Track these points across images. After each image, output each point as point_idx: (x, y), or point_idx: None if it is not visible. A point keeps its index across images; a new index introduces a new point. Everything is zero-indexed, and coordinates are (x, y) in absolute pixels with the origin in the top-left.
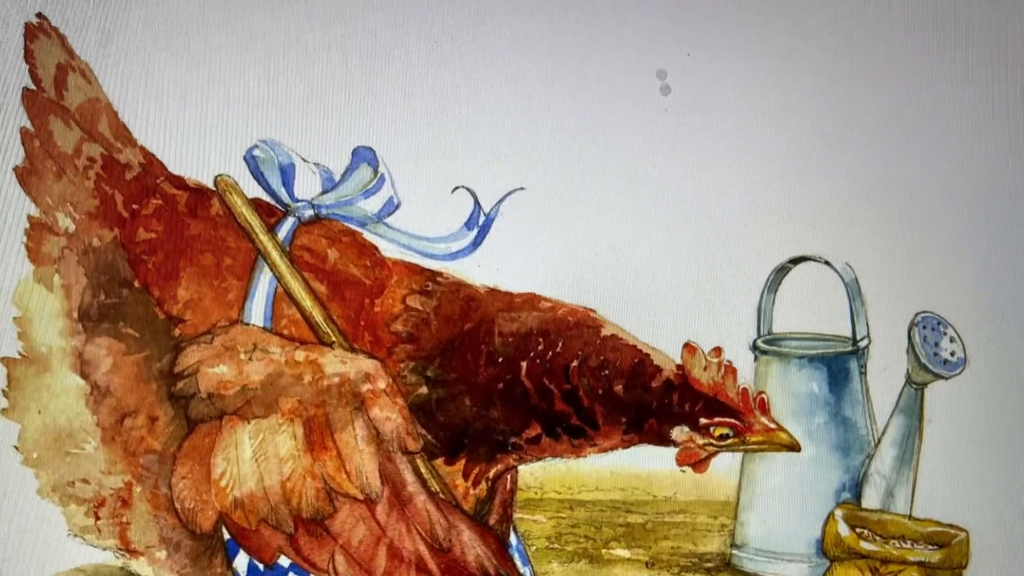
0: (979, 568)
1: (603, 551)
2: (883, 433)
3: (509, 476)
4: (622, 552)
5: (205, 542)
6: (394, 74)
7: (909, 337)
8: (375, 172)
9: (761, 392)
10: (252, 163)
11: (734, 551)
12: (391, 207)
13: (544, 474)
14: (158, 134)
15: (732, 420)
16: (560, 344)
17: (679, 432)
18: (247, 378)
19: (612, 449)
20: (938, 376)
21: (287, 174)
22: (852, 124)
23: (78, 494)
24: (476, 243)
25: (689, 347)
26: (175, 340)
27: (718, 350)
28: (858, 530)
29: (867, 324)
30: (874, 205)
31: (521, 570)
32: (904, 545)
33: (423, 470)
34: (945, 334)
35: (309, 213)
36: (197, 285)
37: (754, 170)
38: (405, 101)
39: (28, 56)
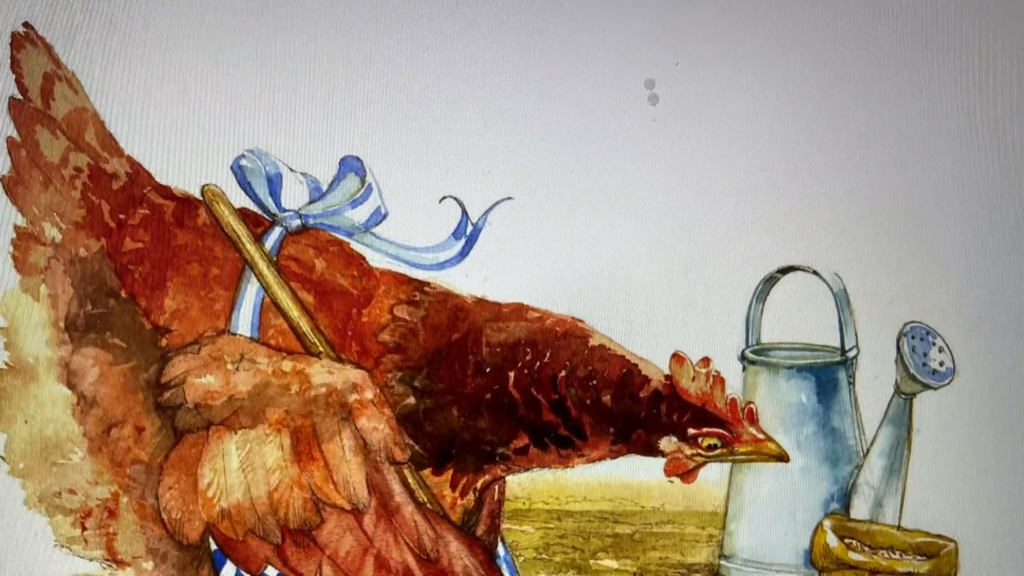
0: None
1: (591, 562)
2: (872, 443)
3: (497, 486)
4: (610, 563)
5: (192, 553)
6: (381, 84)
7: (898, 347)
8: (362, 182)
9: (749, 402)
10: (239, 173)
11: (722, 562)
12: (378, 217)
13: (532, 485)
14: (145, 143)
15: (720, 430)
16: (548, 354)
17: (667, 442)
18: (234, 388)
19: (600, 459)
20: (927, 386)
21: (274, 184)
22: (841, 134)
23: (65, 504)
24: (464, 253)
25: (677, 357)
26: (162, 350)
27: (706, 360)
28: (847, 541)
29: (856, 334)
30: (863, 215)
31: None
32: (893, 556)
33: (411, 480)
34: (934, 344)
35: (296, 223)
36: (184, 295)
37: (742, 180)
38: (392, 111)
39: (14, 65)
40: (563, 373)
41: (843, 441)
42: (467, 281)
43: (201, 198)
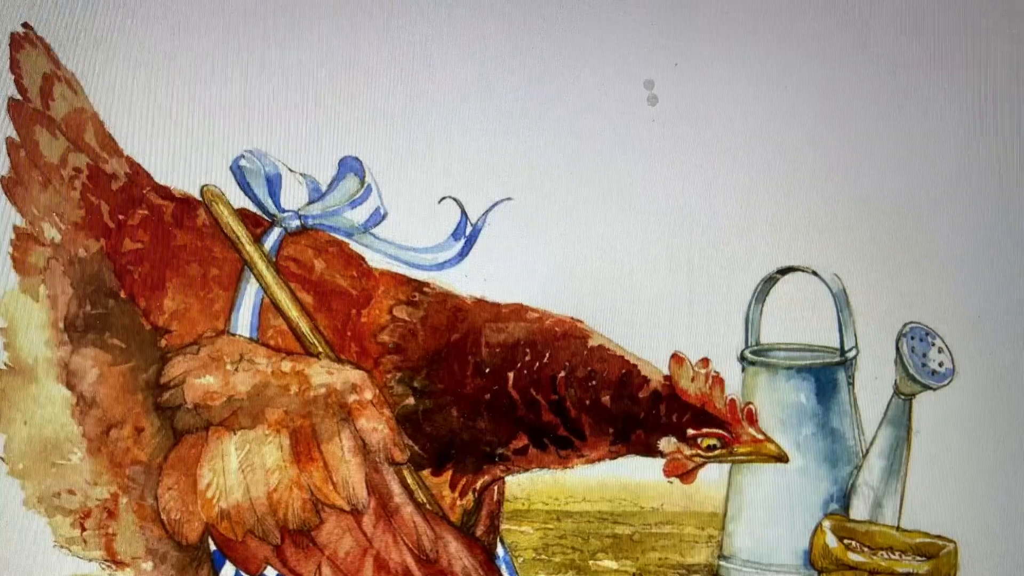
0: None
1: (590, 562)
2: (871, 444)
3: (496, 487)
4: (609, 563)
5: (191, 553)
6: (381, 84)
7: (897, 348)
8: (362, 182)
9: (749, 403)
10: (238, 173)
11: (722, 562)
12: (378, 217)
13: (531, 485)
14: (144, 144)
15: (720, 431)
16: (547, 355)
17: (666, 443)
18: (233, 389)
19: (599, 460)
20: (926, 387)
21: (273, 184)
22: (840, 134)
23: (64, 505)
24: (463, 254)
25: (676, 358)
26: (161, 351)
27: (705, 361)
28: (846, 541)
29: (855, 335)
30: (862, 215)
31: None
32: (892, 556)
33: (410, 481)
34: (933, 344)
35: (296, 223)
36: (183, 296)
37: (742, 180)
38: (392, 111)
39: (13, 66)
40: (562, 374)
41: (842, 442)
42: (466, 282)
43: (200, 198)
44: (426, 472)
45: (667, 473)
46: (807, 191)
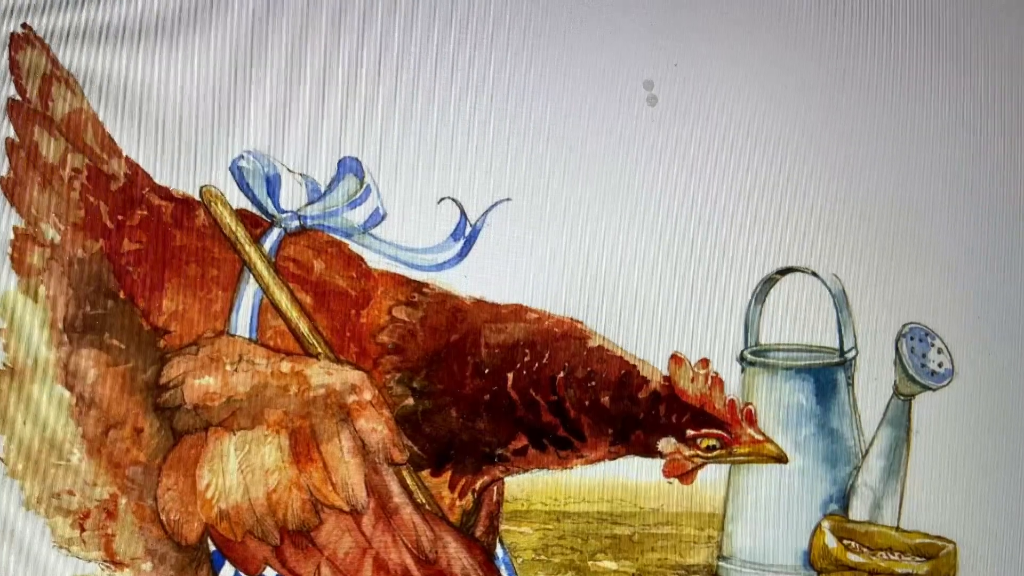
0: None
1: (589, 563)
2: (871, 444)
3: (495, 488)
4: (609, 564)
5: (191, 554)
6: (380, 84)
7: (897, 348)
8: (361, 183)
9: (748, 403)
10: (238, 174)
11: (721, 563)
12: (377, 218)
13: (531, 486)
14: (143, 144)
15: (719, 431)
16: (547, 355)
17: (666, 444)
18: (233, 389)
19: (599, 461)
20: (926, 387)
21: (273, 185)
22: (840, 135)
23: (63, 506)
24: (462, 254)
25: (676, 358)
26: (160, 351)
27: (705, 361)
28: (845, 542)
29: (854, 335)
30: (862, 216)
31: None
32: (892, 557)
33: (409, 482)
34: (933, 345)
35: (295, 224)
36: (183, 296)
37: (741, 180)
38: (391, 111)
39: (13, 66)
40: (562, 374)
41: (842, 442)
42: (466, 282)
43: (200, 199)
44: (425, 473)
45: (666, 474)
46: (807, 191)
